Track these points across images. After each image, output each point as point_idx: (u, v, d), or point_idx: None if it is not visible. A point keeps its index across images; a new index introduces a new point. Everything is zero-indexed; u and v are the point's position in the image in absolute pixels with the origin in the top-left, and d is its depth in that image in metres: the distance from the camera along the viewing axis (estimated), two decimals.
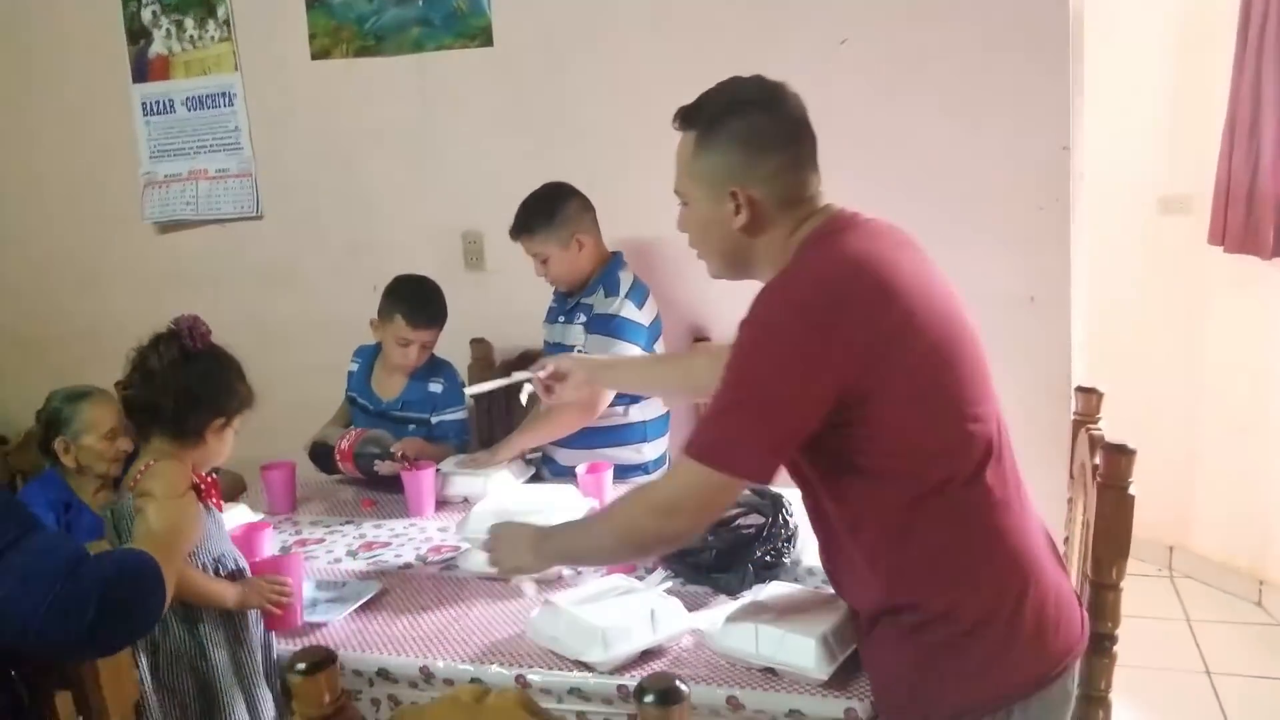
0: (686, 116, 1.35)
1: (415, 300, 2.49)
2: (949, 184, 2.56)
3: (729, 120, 1.31)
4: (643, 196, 2.57)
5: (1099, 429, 1.76)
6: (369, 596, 1.72)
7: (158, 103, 3.21)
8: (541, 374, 1.91)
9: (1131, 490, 1.48)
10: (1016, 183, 2.52)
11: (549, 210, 2.40)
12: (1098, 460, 1.57)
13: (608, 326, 2.36)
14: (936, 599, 1.27)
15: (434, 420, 2.55)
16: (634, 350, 2.35)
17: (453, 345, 2.94)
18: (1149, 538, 3.13)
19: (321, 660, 0.98)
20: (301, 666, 0.95)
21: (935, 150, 2.56)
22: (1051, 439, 2.49)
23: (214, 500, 1.66)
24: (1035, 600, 1.28)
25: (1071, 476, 1.92)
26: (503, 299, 2.98)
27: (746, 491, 1.78)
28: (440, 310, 2.53)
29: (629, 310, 2.39)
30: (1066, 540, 1.89)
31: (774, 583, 1.61)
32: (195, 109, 3.18)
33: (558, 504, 1.87)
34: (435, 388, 2.59)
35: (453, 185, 2.98)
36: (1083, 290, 2.64)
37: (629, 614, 1.47)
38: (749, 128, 1.30)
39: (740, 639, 1.40)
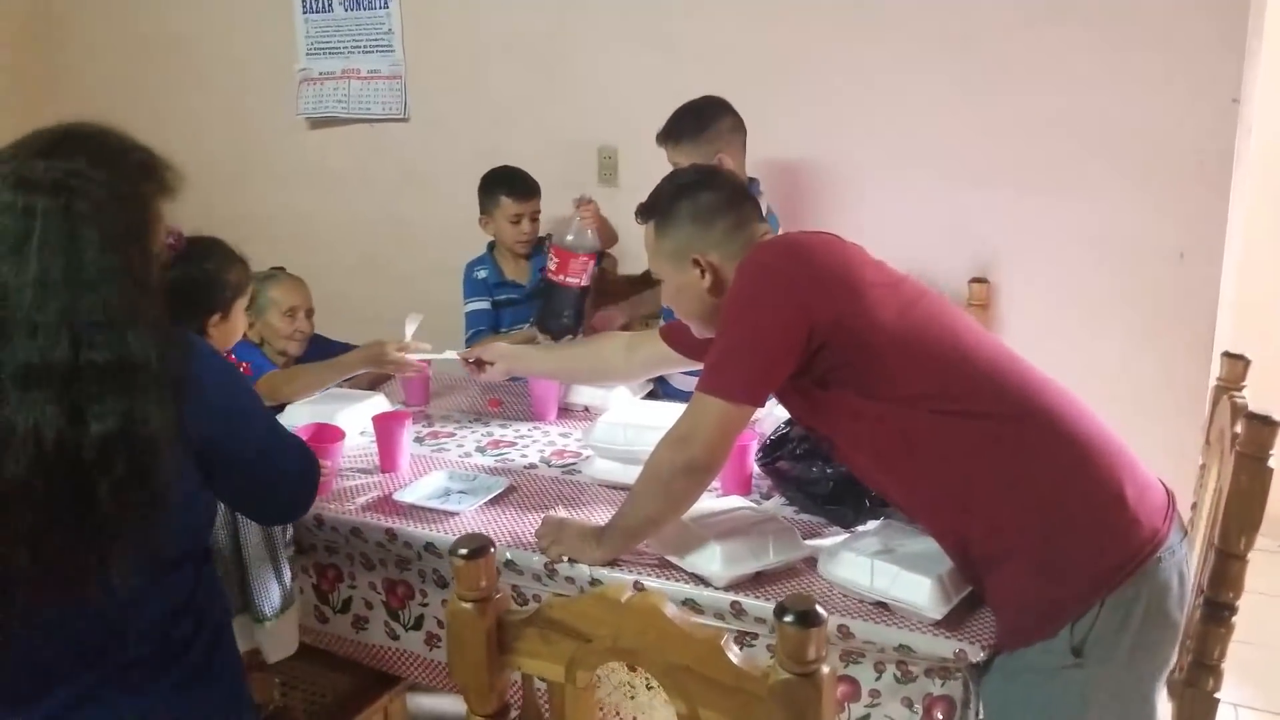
0: (645, 211, 1.64)
1: (513, 178, 2.71)
2: (1100, 128, 2.47)
3: (678, 202, 1.59)
4: (783, 115, 2.57)
5: (1242, 397, 1.71)
6: (498, 491, 1.82)
7: (317, 1, 3.31)
8: (469, 357, 2.17)
9: (1271, 463, 1.45)
10: (1176, 133, 2.41)
11: (699, 122, 2.40)
12: (1238, 428, 1.54)
13: None
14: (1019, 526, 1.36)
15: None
16: None
17: None
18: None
19: (481, 547, 1.06)
20: (463, 551, 1.02)
21: (1088, 91, 2.46)
22: (1187, 402, 2.43)
23: None
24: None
25: (1207, 442, 1.87)
26: (629, 213, 3.01)
27: None
28: (535, 182, 2.73)
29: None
30: (1194, 506, 1.86)
31: (889, 520, 1.64)
32: (351, 9, 3.26)
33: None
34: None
35: (591, 98, 3.01)
36: (1236, 251, 2.53)
37: (748, 533, 1.52)
38: (694, 205, 1.58)
39: (854, 570, 1.44)
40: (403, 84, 3.25)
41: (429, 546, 1.69)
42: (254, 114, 3.52)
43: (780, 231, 2.38)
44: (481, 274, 2.79)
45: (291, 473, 1.41)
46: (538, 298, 2.72)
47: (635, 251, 3.01)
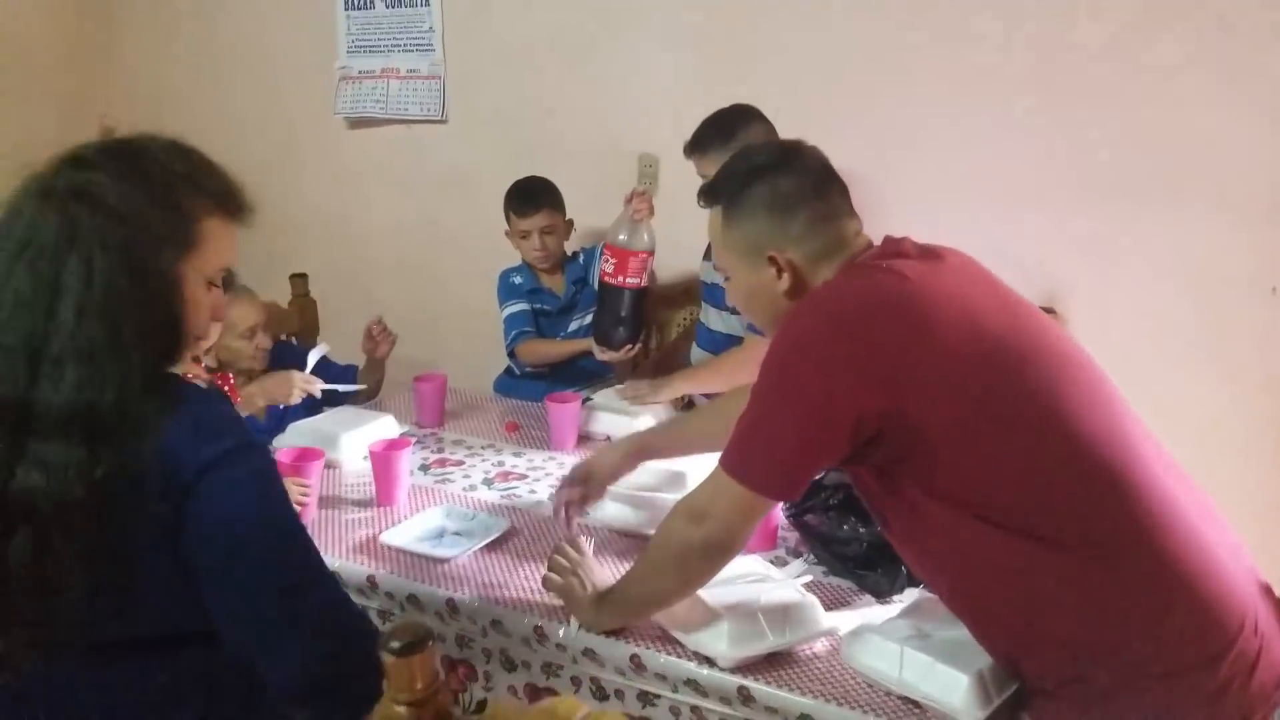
0: (709, 194, 1.36)
1: (520, 192, 2.58)
2: (1187, 150, 2.24)
3: (751, 188, 1.31)
4: (832, 128, 2.34)
5: None
6: (494, 537, 1.66)
7: None
8: (560, 513, 1.68)
9: None
10: (1273, 157, 2.16)
11: (728, 130, 2.21)
12: None
13: None
14: (1105, 661, 1.11)
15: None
16: None
17: None
18: None
19: (419, 640, 0.89)
20: (395, 645, 0.87)
21: (1174, 109, 2.22)
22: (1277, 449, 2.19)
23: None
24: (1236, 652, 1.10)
25: None
26: (674, 228, 2.84)
27: None
28: (545, 195, 2.57)
29: None
30: None
31: (917, 594, 1.44)
32: (393, 6, 3.14)
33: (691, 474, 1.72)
34: (582, 258, 2.70)
35: (632, 104, 2.85)
36: None
37: (760, 607, 1.33)
38: (771, 191, 1.30)
39: (881, 658, 1.25)
40: (442, 84, 3.11)
41: (411, 599, 1.53)
42: (295, 112, 3.42)
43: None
44: (517, 279, 2.68)
45: (300, 641, 1.05)
46: (572, 311, 2.64)
47: (674, 264, 2.85)
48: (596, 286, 2.47)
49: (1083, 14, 2.27)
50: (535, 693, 1.47)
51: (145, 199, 1.03)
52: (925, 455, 1.14)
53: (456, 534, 1.68)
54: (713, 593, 1.36)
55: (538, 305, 2.66)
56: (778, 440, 1.19)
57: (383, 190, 3.36)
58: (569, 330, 2.67)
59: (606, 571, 1.46)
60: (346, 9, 3.22)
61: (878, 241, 1.32)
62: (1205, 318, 2.27)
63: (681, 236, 2.80)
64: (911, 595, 1.48)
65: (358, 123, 3.31)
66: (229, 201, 1.10)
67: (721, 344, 2.40)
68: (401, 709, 0.94)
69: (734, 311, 2.29)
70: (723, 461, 1.23)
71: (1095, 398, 1.19)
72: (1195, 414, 2.28)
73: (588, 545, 1.49)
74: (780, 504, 1.67)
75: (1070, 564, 1.11)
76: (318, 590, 1.08)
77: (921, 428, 1.13)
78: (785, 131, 2.25)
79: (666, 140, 2.79)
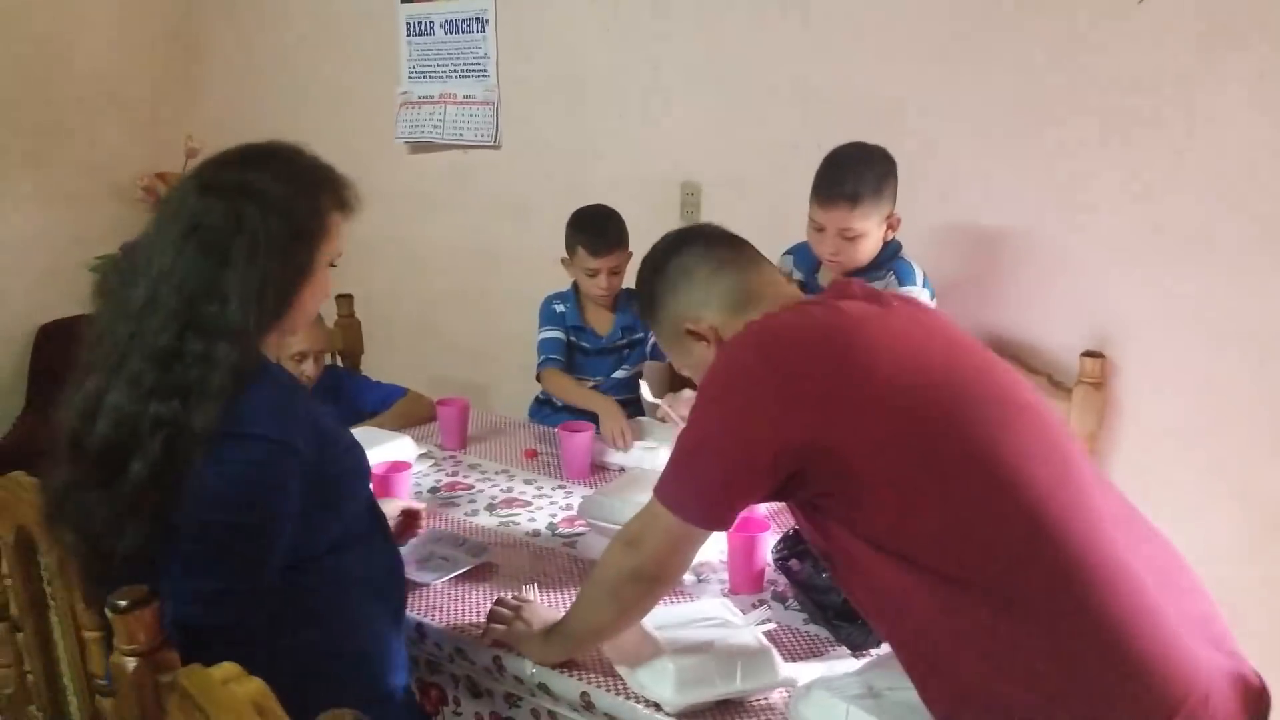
0: (641, 314, 1.43)
1: (592, 229, 2.46)
2: (1259, 188, 2.06)
3: (656, 283, 1.34)
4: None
5: None
6: (465, 569, 1.65)
7: (420, 23, 3.28)
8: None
9: None
10: None
11: (879, 176, 2.00)
12: None
13: None
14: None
15: (651, 339, 2.55)
16: None
17: None
18: None
19: (141, 599, 1.02)
20: (121, 603, 1.00)
21: (1246, 142, 2.06)
22: None
23: None
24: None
25: None
26: None
27: None
28: (618, 234, 2.47)
29: (926, 300, 2.06)
30: None
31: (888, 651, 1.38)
32: (451, 32, 3.22)
33: None
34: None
35: (677, 132, 2.83)
36: None
37: (712, 654, 1.30)
38: (666, 275, 1.33)
39: (825, 715, 1.20)
40: (495, 110, 3.17)
41: None
42: (359, 136, 3.52)
43: (925, 291, 2.08)
44: (560, 308, 2.59)
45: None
46: (608, 355, 2.56)
47: None
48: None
49: (1147, 43, 2.14)
50: None
51: (295, 195, 1.24)
52: (849, 492, 1.11)
53: (443, 558, 1.69)
54: (667, 635, 1.33)
55: (575, 340, 2.57)
56: (705, 471, 1.18)
57: (438, 214, 3.43)
58: (611, 376, 2.57)
59: (554, 611, 1.45)
60: (409, 35, 3.31)
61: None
62: (1269, 379, 2.10)
63: None
64: (887, 649, 1.42)
65: (417, 147, 3.39)
66: (349, 199, 1.32)
67: None
68: (130, 660, 1.06)
69: None
70: (656, 489, 1.22)
71: (1035, 444, 1.13)
72: (1244, 489, 2.13)
73: (532, 594, 1.52)
74: (771, 548, 1.65)
75: (989, 614, 1.05)
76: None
77: (845, 463, 1.10)
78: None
79: (708, 169, 2.79)
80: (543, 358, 2.58)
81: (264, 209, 1.19)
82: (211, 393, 1.14)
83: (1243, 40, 2.01)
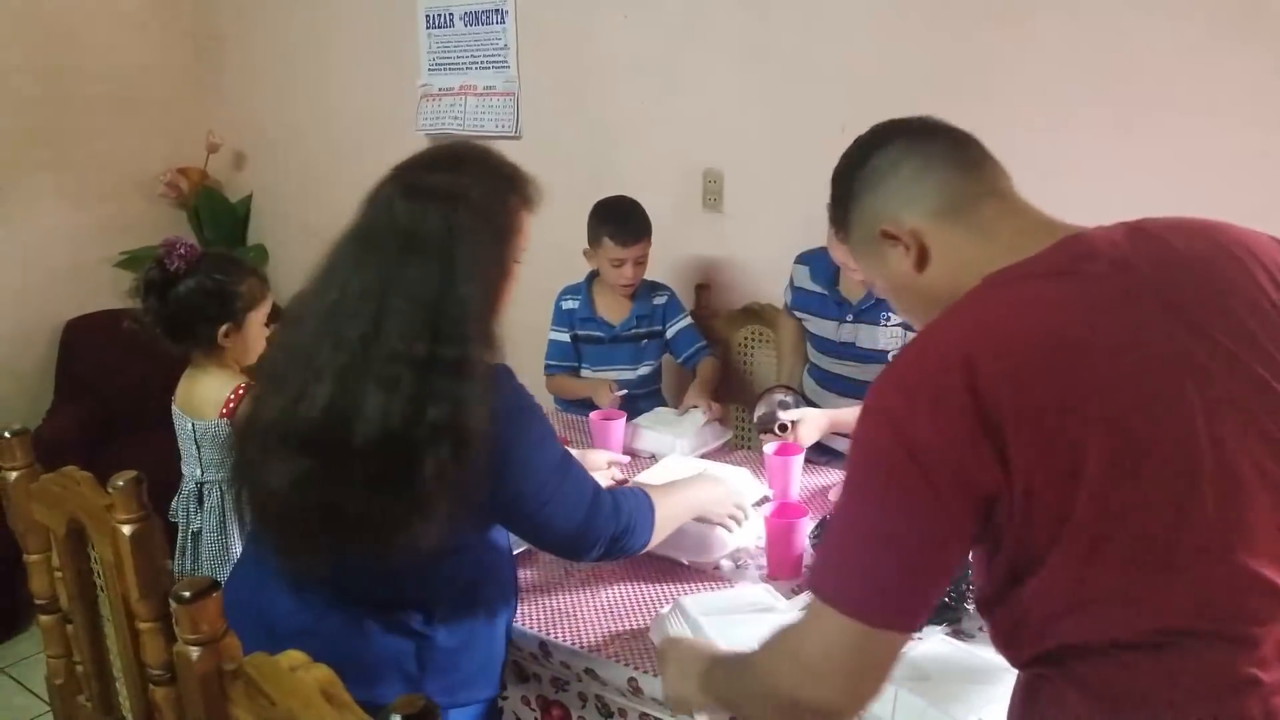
0: (832, 214, 1.17)
1: (617, 218, 2.48)
2: (1261, 177, 2.04)
3: (855, 179, 1.10)
4: None
5: None
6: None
7: (440, 16, 3.29)
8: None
9: None
10: None
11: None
12: None
13: None
14: None
15: (668, 333, 2.60)
16: None
17: (679, 288, 2.84)
18: None
19: (203, 589, 1.03)
20: (185, 594, 1.00)
21: (1249, 127, 2.05)
22: None
23: None
24: None
25: None
26: (737, 245, 2.83)
27: None
28: (643, 224, 2.50)
29: None
30: None
31: (938, 633, 1.39)
32: (471, 24, 3.22)
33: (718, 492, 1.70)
34: (659, 300, 2.62)
35: (698, 120, 2.83)
36: None
37: (755, 639, 1.30)
38: (870, 171, 1.08)
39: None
40: (515, 100, 3.17)
41: None
42: (380, 129, 3.54)
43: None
44: (569, 304, 2.63)
45: (563, 529, 1.37)
46: (621, 344, 2.58)
47: (736, 281, 2.83)
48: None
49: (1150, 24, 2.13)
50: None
51: (493, 196, 1.29)
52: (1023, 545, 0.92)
53: None
54: (711, 621, 1.34)
55: (587, 332, 2.59)
56: (876, 550, 0.95)
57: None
58: (635, 372, 2.58)
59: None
60: (429, 27, 3.32)
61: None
62: None
63: (749, 254, 2.79)
64: (931, 633, 1.43)
65: (439, 139, 3.40)
66: (534, 195, 1.36)
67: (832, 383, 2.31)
68: (194, 649, 1.07)
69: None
70: (826, 592, 0.95)
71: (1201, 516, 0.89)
72: None
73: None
74: (810, 532, 1.65)
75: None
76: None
77: (1021, 510, 0.90)
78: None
79: (732, 156, 2.79)
80: (547, 363, 2.66)
81: (472, 213, 1.25)
82: (479, 396, 1.22)
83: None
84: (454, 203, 1.24)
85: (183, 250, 1.76)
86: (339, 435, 1.20)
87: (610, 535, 1.41)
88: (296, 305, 1.32)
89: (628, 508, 1.44)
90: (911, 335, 2.11)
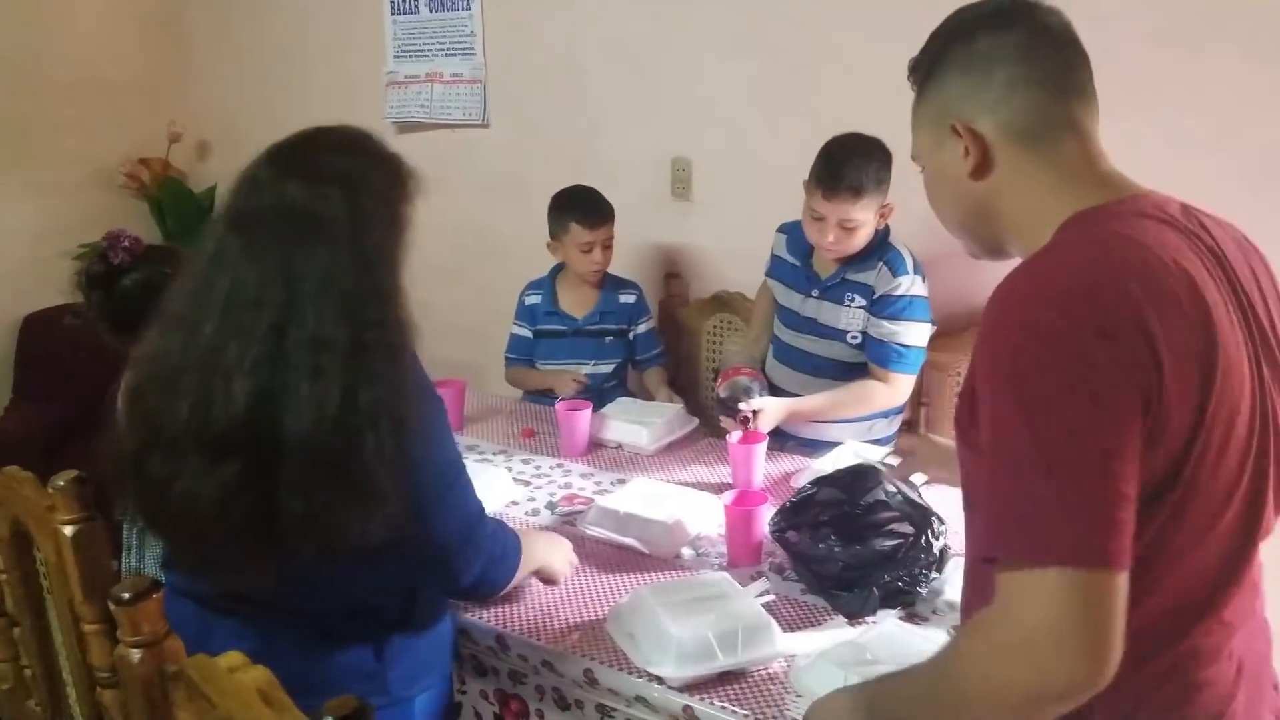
0: (912, 69, 1.10)
1: (582, 204, 2.47)
2: (1225, 165, 2.05)
3: (949, 50, 1.05)
4: (881, 130, 2.21)
5: None
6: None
7: (405, 2, 3.25)
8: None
9: None
10: None
11: (881, 167, 2.02)
12: None
13: (908, 309, 2.10)
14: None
15: (631, 334, 2.58)
16: (929, 330, 2.15)
17: (648, 277, 2.83)
18: None
19: (144, 590, 1.01)
20: (125, 595, 0.98)
21: (1218, 116, 2.06)
22: None
23: None
24: None
25: None
26: (705, 234, 2.82)
27: (900, 497, 1.56)
28: (608, 206, 2.50)
29: (919, 288, 2.12)
30: None
31: (892, 618, 1.39)
32: (437, 11, 3.19)
33: (680, 512, 1.73)
34: (627, 299, 2.59)
35: (670, 107, 2.81)
36: None
37: (713, 627, 1.30)
38: (970, 51, 1.02)
39: (825, 683, 1.21)
40: (483, 89, 3.15)
41: None
42: (345, 117, 3.38)
43: (916, 279, 2.10)
44: (532, 299, 2.62)
45: (450, 531, 1.31)
46: (584, 338, 2.56)
47: (705, 269, 2.82)
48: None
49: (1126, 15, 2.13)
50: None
51: (391, 186, 1.27)
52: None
53: None
54: (669, 610, 1.34)
55: (549, 326, 2.57)
56: (1078, 488, 0.85)
57: (429, 194, 3.38)
58: (597, 369, 2.55)
59: None
60: (394, 14, 3.28)
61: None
62: None
63: (719, 242, 2.78)
64: (885, 617, 1.43)
65: (405, 127, 3.37)
66: (417, 191, 1.31)
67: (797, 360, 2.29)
68: (135, 651, 1.05)
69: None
70: (1011, 553, 0.85)
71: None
72: None
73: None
74: (769, 520, 1.65)
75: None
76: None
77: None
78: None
79: (701, 144, 2.77)
80: (507, 355, 2.66)
81: (374, 199, 1.22)
82: (407, 377, 1.21)
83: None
84: (354, 188, 1.20)
85: (126, 243, 1.72)
86: (266, 431, 1.14)
87: (490, 555, 1.36)
88: (177, 301, 1.22)
89: (503, 537, 1.41)
90: (871, 318, 2.12)
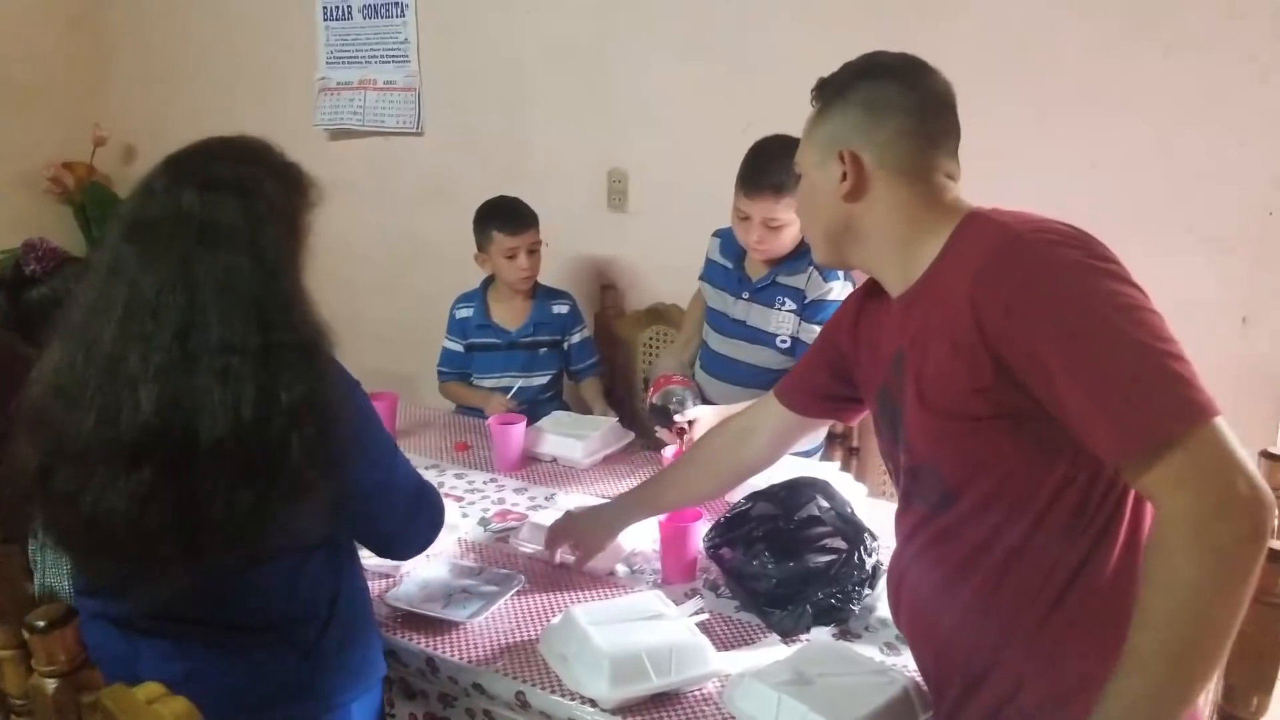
0: (820, 87, 1.26)
1: (503, 212, 2.49)
2: (1157, 170, 2.14)
3: (858, 85, 1.21)
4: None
5: None
6: (499, 603, 1.56)
7: (338, 8, 3.21)
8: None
9: None
10: (1246, 179, 2.09)
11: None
12: None
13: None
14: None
15: (566, 345, 2.59)
16: None
17: (584, 289, 2.83)
18: None
19: (60, 618, 1.00)
20: (40, 624, 0.97)
21: (1146, 125, 2.14)
22: None
23: None
24: None
25: None
26: (641, 245, 2.83)
27: (833, 513, 1.58)
28: (530, 212, 2.51)
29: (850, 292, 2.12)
30: None
31: (825, 635, 1.41)
32: (370, 17, 3.15)
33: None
34: (560, 309, 2.59)
35: (607, 117, 2.81)
36: None
37: (645, 648, 1.30)
38: (875, 93, 1.20)
39: (758, 704, 1.22)
40: (417, 96, 3.12)
41: None
42: (278, 124, 3.39)
43: (848, 284, 2.11)
44: (463, 313, 2.60)
45: (395, 519, 1.39)
46: (518, 350, 2.54)
47: (640, 281, 2.83)
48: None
49: (1061, 26, 2.19)
50: None
51: (288, 195, 1.26)
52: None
53: (465, 592, 1.59)
54: (601, 631, 1.33)
55: (482, 340, 2.56)
56: (1167, 356, 0.96)
57: (362, 202, 3.36)
58: (530, 381, 2.54)
59: None
60: (326, 19, 3.23)
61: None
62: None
63: (655, 253, 2.78)
64: (819, 634, 1.45)
65: (337, 134, 3.32)
66: (317, 200, 1.31)
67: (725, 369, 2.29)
68: (50, 680, 1.04)
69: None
70: (1162, 428, 0.93)
71: None
72: None
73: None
74: (703, 536, 1.66)
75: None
76: None
77: None
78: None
79: (638, 155, 2.78)
80: (440, 370, 2.65)
81: (269, 207, 1.21)
82: (329, 375, 1.21)
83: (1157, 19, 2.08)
84: (250, 196, 1.20)
85: (40, 253, 1.67)
86: (178, 437, 1.12)
87: (432, 522, 1.46)
88: (75, 312, 1.20)
89: (436, 497, 1.49)
90: (803, 323, 2.14)
